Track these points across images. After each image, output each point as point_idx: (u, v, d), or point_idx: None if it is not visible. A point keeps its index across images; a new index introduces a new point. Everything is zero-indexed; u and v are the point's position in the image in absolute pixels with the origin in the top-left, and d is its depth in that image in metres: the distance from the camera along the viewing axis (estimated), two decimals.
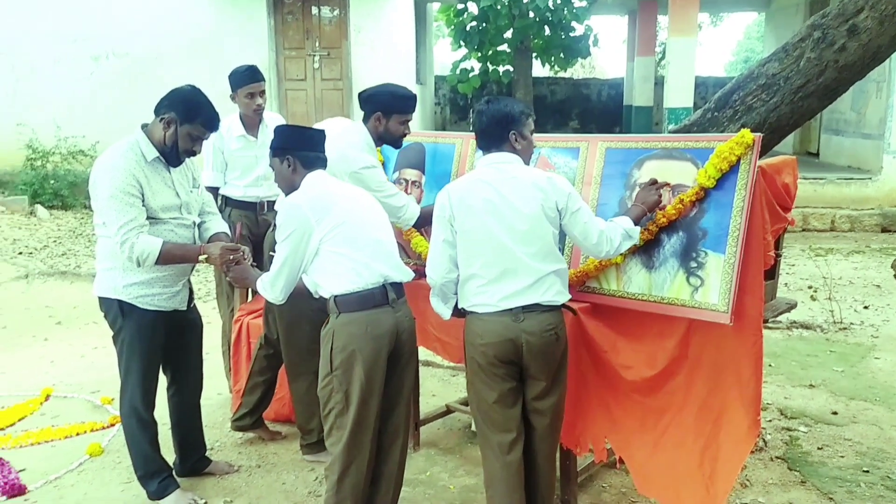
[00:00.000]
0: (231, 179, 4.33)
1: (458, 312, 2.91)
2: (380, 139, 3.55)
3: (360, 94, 3.57)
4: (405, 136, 3.59)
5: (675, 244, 2.92)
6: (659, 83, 15.22)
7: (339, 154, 3.26)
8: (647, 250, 2.98)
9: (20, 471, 3.64)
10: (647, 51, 16.01)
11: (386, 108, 3.49)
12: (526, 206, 2.71)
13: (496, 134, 2.82)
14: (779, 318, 5.37)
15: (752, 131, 2.85)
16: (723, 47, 52.35)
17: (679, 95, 11.31)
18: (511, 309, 2.71)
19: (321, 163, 2.97)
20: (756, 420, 2.80)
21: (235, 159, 4.28)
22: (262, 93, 4.22)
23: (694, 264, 2.86)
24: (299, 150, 2.93)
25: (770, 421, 4.16)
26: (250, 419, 3.91)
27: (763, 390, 3.97)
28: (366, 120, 3.53)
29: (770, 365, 5.00)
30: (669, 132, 4.33)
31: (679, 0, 11.20)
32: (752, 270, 2.78)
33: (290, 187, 2.94)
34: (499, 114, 2.81)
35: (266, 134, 4.27)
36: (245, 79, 4.16)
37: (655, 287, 2.94)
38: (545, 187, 2.74)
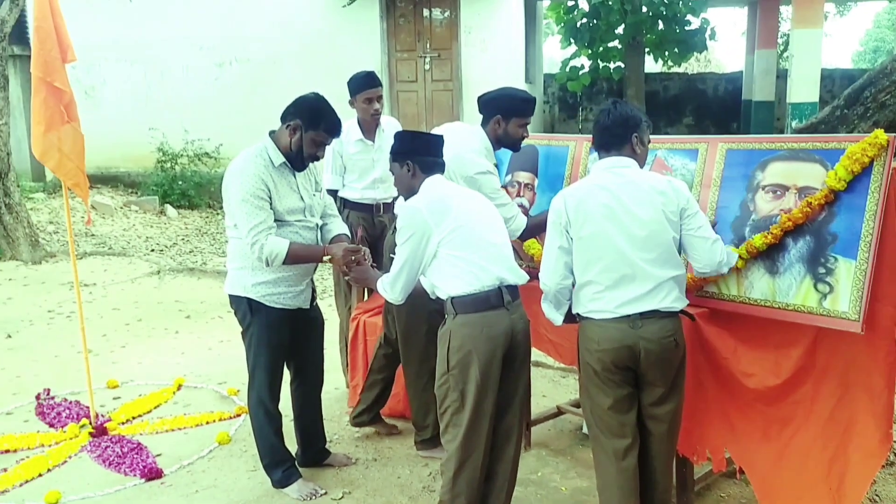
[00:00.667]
0: (349, 182, 4.48)
1: (570, 318, 2.91)
2: (499, 142, 3.57)
3: (479, 98, 3.60)
4: (524, 139, 3.59)
5: (802, 249, 2.81)
6: (781, 77, 14.55)
7: (456, 157, 3.32)
8: (770, 255, 2.88)
9: (157, 455, 3.91)
10: (768, 43, 15.33)
11: (506, 112, 3.49)
12: (645, 211, 2.69)
13: (619, 134, 2.80)
14: None
15: (886, 130, 2.71)
16: (850, 36, 49.50)
17: (804, 90, 10.79)
18: (629, 315, 2.69)
19: (439, 167, 3.05)
20: (888, 433, 2.67)
21: (353, 163, 4.43)
22: (380, 98, 4.34)
23: (822, 270, 2.75)
24: (418, 155, 3.01)
25: None
26: (368, 415, 4.02)
27: None
28: (485, 124, 3.55)
29: None
30: (794, 130, 4.17)
31: None
32: (885, 277, 2.64)
33: (409, 191, 3.03)
34: (625, 114, 2.82)
35: (383, 138, 4.40)
36: (363, 84, 4.29)
37: (780, 293, 2.84)
38: (666, 191, 2.72)
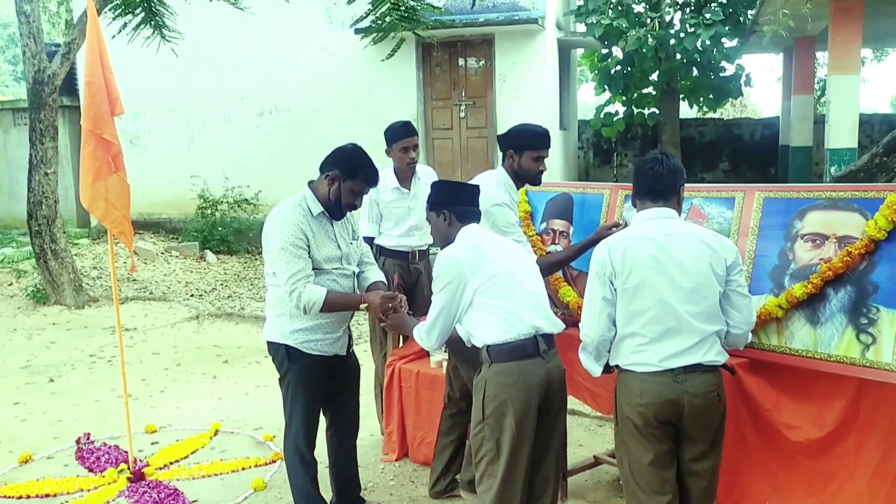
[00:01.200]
0: (385, 230, 4.53)
1: (607, 368, 2.88)
2: (517, 178, 3.61)
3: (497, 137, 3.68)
4: (541, 172, 3.60)
5: (843, 299, 2.78)
6: (819, 122, 14.45)
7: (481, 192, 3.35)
8: (811, 304, 2.86)
9: (193, 501, 3.93)
10: (805, 89, 15.26)
11: (517, 145, 3.55)
12: (693, 263, 2.65)
13: (671, 184, 2.77)
14: None
15: None
16: (889, 81, 49.08)
17: (842, 136, 10.69)
18: (672, 369, 2.64)
19: (475, 217, 3.08)
20: None
21: (390, 210, 4.49)
22: (416, 147, 4.42)
23: (864, 321, 2.71)
24: (455, 204, 3.06)
25: None
26: (444, 482, 3.86)
27: None
28: (503, 161, 3.64)
29: None
30: (833, 177, 4.14)
31: (840, 37, 10.64)
32: None
33: (445, 240, 3.06)
34: (677, 165, 2.81)
35: (418, 186, 4.46)
36: (400, 134, 4.38)
37: (822, 343, 2.80)
38: (714, 244, 2.69)
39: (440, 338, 2.99)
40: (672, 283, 2.64)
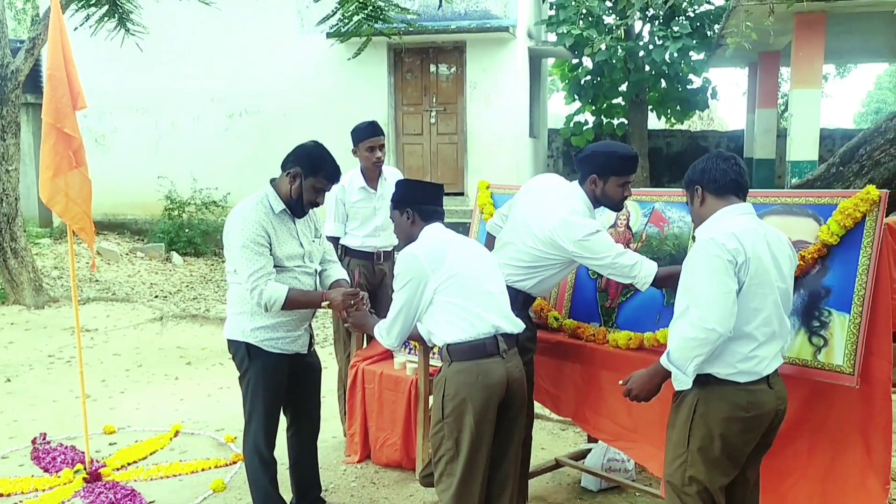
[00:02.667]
0: (351, 230, 4.53)
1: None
2: (597, 202, 3.24)
3: (575, 155, 3.39)
4: (626, 198, 3.25)
5: (796, 302, 2.83)
6: (781, 135, 14.74)
7: (563, 223, 3.09)
8: None
9: (150, 502, 3.87)
10: (768, 103, 15.56)
11: (602, 170, 3.18)
12: (787, 264, 2.58)
13: (745, 183, 2.65)
14: None
15: (881, 187, 2.77)
16: (851, 98, 50.22)
17: (803, 149, 10.92)
18: (768, 375, 2.54)
19: (438, 216, 3.08)
20: (886, 488, 2.66)
21: (356, 210, 4.49)
22: (382, 146, 4.43)
23: (816, 323, 2.77)
24: (418, 203, 3.06)
25: None
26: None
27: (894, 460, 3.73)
28: (582, 181, 3.25)
29: None
30: (792, 187, 4.22)
31: (802, 51, 10.88)
32: (879, 331, 2.66)
33: (408, 238, 3.07)
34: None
35: (385, 187, 4.47)
36: (366, 133, 4.39)
37: None
38: (793, 251, 2.66)
39: (400, 336, 2.99)
40: (777, 282, 2.53)
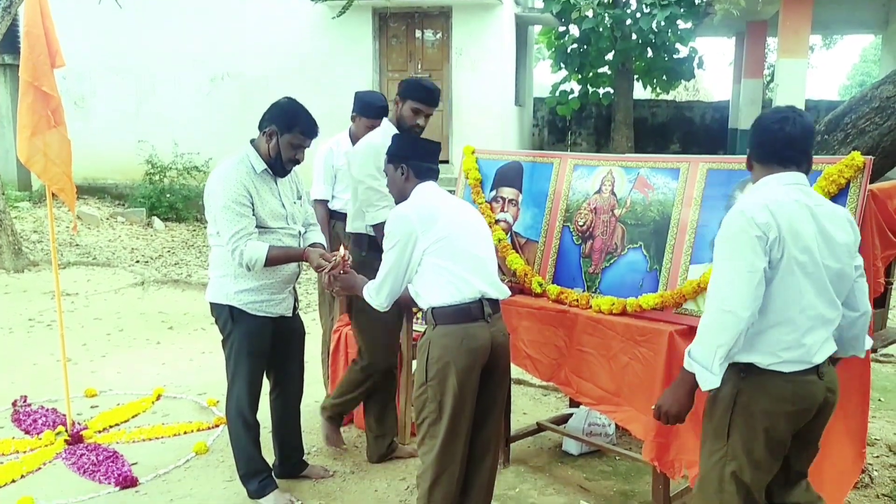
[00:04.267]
0: (338, 193, 4.49)
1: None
2: (398, 125, 3.67)
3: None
4: (416, 127, 3.63)
5: None
6: (767, 106, 14.76)
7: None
8: None
9: (133, 464, 3.87)
10: (754, 73, 15.56)
11: (402, 93, 3.66)
12: (843, 242, 2.33)
13: (805, 149, 2.38)
14: (889, 350, 5.13)
15: (864, 155, 2.76)
16: (837, 70, 50.38)
17: None
18: (819, 364, 2.32)
19: (433, 174, 3.03)
20: (861, 453, 2.71)
21: (343, 174, 4.44)
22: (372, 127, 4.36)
23: None
24: (413, 159, 2.99)
25: (878, 457, 3.96)
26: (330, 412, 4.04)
27: (872, 426, 3.81)
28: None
29: (879, 399, 4.76)
30: None
31: (789, 20, 10.86)
32: None
33: (400, 195, 3.03)
34: (809, 125, 2.39)
35: None
36: (370, 113, 4.29)
37: None
38: (853, 224, 2.41)
39: (390, 297, 2.97)
40: (825, 261, 2.29)
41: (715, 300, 2.27)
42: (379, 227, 3.59)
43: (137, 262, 9.10)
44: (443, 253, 2.83)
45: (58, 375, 4.48)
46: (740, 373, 2.32)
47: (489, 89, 11.87)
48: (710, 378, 2.27)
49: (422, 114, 3.71)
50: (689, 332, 3.05)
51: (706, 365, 2.27)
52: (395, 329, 3.85)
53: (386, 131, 3.66)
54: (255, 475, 3.46)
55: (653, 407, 2.49)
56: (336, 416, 4.06)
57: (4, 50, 11.08)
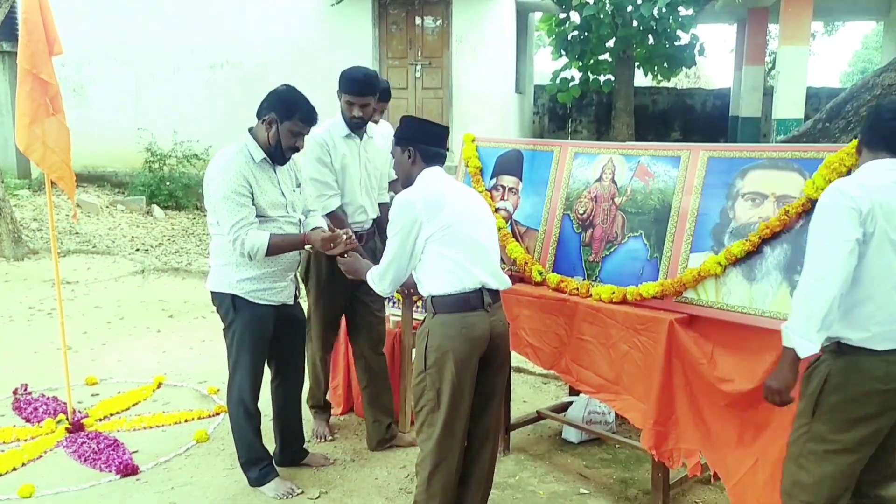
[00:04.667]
0: None
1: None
2: (342, 118, 3.77)
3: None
4: (355, 119, 3.72)
5: (779, 257, 2.84)
6: (768, 94, 14.71)
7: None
8: (748, 262, 2.92)
9: (133, 452, 3.88)
10: (756, 60, 15.49)
11: (339, 88, 3.73)
12: None
13: None
14: None
15: None
16: (838, 57, 50.12)
17: (789, 106, 10.91)
18: None
19: (440, 158, 3.00)
20: None
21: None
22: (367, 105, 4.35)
23: (798, 278, 2.78)
24: (422, 143, 2.97)
25: None
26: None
27: None
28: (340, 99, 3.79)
29: None
30: (778, 143, 4.21)
31: (791, 7, 10.81)
32: None
33: (406, 178, 3.01)
34: None
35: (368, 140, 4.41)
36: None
37: (757, 300, 2.87)
38: None
39: (393, 283, 2.96)
40: None
41: (808, 270, 2.32)
42: (334, 216, 3.72)
43: (137, 250, 9.09)
44: (446, 241, 2.81)
45: (58, 363, 4.49)
46: (834, 353, 2.36)
47: (489, 77, 11.83)
48: (808, 346, 2.29)
49: (355, 105, 3.70)
50: (688, 321, 3.06)
51: (804, 334, 2.29)
52: (335, 325, 4.02)
53: (332, 124, 3.74)
54: (256, 463, 3.47)
55: (763, 388, 2.50)
56: (318, 405, 4.11)
57: (3, 37, 11.04)
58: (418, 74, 12.12)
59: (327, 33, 11.71)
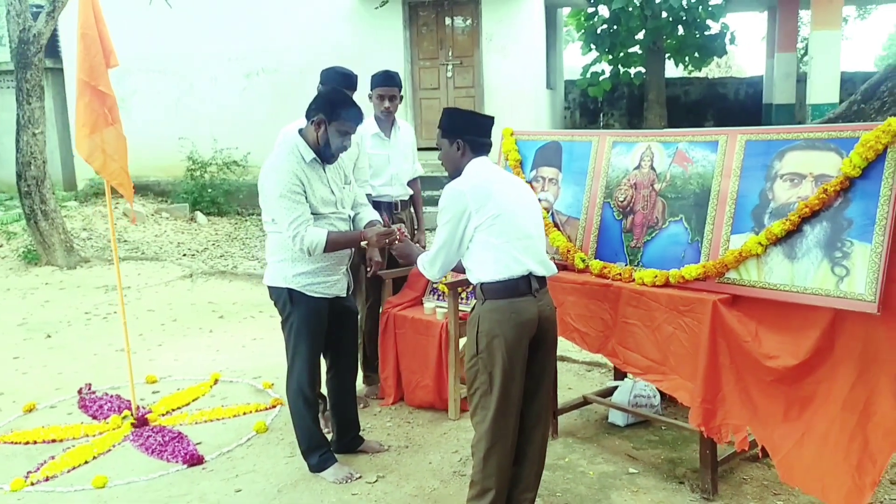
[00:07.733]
0: (372, 180, 4.58)
1: None
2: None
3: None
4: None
5: (819, 234, 2.91)
6: (801, 80, 14.56)
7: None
8: (789, 240, 2.99)
9: (197, 444, 4.06)
10: (788, 46, 15.34)
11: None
12: None
13: None
14: None
15: None
16: (872, 41, 49.13)
17: (823, 91, 10.82)
18: None
19: (487, 149, 3.10)
20: None
21: (370, 159, 4.52)
22: (393, 98, 4.50)
23: (839, 254, 2.85)
24: (470, 134, 3.06)
25: None
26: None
27: None
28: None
29: None
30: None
31: None
32: None
33: (455, 169, 3.10)
34: None
35: (398, 136, 4.55)
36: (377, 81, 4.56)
37: (798, 277, 2.94)
38: None
39: (443, 269, 3.07)
40: None
41: None
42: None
43: (184, 255, 9.35)
44: (494, 230, 2.91)
45: (118, 364, 4.70)
46: None
47: (520, 74, 11.90)
48: None
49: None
50: (732, 301, 3.14)
51: None
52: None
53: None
54: (315, 450, 3.62)
55: None
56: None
57: (46, 55, 11.38)
58: (450, 74, 12.24)
59: (359, 37, 11.89)
